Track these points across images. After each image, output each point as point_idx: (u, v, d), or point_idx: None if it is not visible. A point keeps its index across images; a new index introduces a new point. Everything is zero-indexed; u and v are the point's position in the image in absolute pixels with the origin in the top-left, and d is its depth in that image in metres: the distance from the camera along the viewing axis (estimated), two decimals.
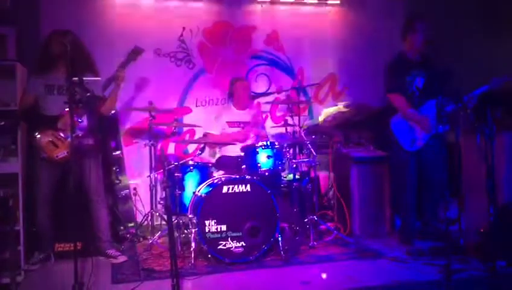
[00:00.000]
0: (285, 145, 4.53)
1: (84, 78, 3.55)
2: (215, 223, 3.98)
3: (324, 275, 3.77)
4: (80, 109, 3.74)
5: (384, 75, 4.57)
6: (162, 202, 4.79)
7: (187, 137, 5.70)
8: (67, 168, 3.70)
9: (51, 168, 3.96)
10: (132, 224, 5.02)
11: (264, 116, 5.84)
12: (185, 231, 4.36)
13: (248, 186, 4.10)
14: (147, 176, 4.95)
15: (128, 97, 5.38)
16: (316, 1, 6.06)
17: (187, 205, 4.35)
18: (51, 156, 3.86)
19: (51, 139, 3.86)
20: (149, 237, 4.66)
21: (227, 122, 5.03)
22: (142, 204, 5.21)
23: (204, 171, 4.58)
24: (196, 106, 5.75)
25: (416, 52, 4.52)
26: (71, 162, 3.50)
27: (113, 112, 4.66)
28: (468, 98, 4.07)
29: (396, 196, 4.75)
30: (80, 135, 3.91)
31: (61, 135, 3.86)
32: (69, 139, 3.53)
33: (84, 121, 3.92)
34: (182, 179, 4.45)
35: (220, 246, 3.97)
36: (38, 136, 3.84)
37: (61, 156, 3.85)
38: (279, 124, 5.39)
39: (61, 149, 3.85)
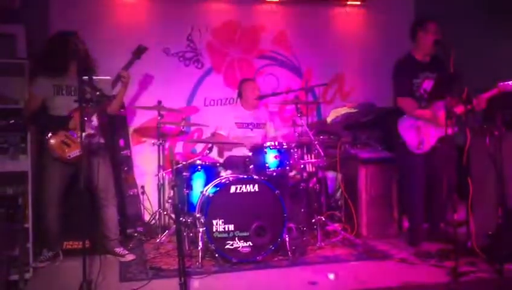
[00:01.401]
0: (293, 145, 4.53)
1: (94, 77, 3.58)
2: (222, 222, 3.98)
3: (331, 276, 3.77)
4: (90, 108, 3.76)
5: (393, 78, 4.53)
6: (170, 201, 4.80)
7: (195, 136, 5.72)
8: (78, 167, 3.71)
9: (63, 168, 3.97)
10: (140, 223, 5.04)
11: (272, 116, 5.83)
12: (193, 230, 4.37)
13: (256, 186, 4.09)
14: (155, 175, 4.96)
15: (136, 96, 5.40)
16: (324, 2, 6.06)
17: (195, 205, 4.35)
18: (63, 156, 3.86)
19: (63, 140, 3.86)
20: (157, 235, 4.68)
21: (235, 122, 5.03)
22: (150, 203, 5.24)
23: (212, 171, 4.58)
24: (204, 106, 5.76)
25: (426, 53, 4.47)
26: (82, 161, 3.52)
27: (121, 110, 4.68)
28: (477, 100, 4.05)
29: (404, 198, 4.73)
30: (91, 133, 3.92)
31: (74, 135, 3.86)
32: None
33: (94, 121, 3.93)
34: (190, 179, 4.46)
35: (227, 246, 3.98)
36: (50, 136, 3.84)
37: (73, 156, 3.85)
38: (287, 125, 5.40)
39: (73, 149, 3.85)
